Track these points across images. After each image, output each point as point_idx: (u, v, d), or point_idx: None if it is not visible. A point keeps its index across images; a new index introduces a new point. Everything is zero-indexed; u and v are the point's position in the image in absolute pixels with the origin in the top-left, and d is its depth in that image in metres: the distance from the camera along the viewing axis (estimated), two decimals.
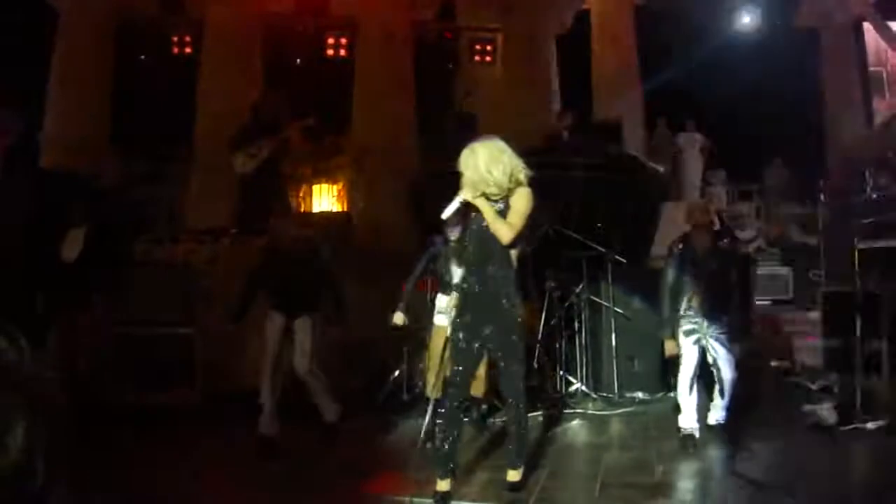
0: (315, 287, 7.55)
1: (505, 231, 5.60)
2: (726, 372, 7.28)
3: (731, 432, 7.26)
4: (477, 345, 5.84)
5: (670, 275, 7.55)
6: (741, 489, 5.94)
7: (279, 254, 7.57)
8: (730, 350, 7.29)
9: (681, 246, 7.85)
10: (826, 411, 7.92)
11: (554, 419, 8.48)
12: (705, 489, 6.16)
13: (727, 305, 7.42)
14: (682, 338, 7.38)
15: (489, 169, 5.55)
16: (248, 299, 7.51)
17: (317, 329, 7.50)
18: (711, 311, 7.29)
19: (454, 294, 6.33)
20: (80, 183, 10.33)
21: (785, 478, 6.11)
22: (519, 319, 5.84)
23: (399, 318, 7.82)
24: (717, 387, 7.40)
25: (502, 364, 5.92)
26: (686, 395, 7.31)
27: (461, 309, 5.92)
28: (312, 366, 7.41)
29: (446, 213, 5.73)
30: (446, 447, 5.78)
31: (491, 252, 5.76)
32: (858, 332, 8.28)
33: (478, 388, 7.62)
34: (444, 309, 7.61)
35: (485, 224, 5.66)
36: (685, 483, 6.47)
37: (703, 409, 7.49)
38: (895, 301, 8.28)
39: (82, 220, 7.38)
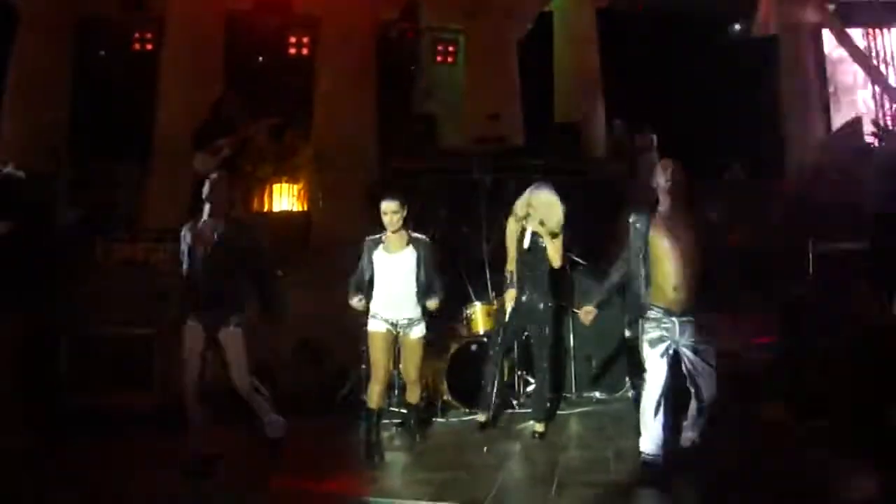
0: (239, 291, 6.74)
1: (559, 261, 7.82)
2: (707, 389, 6.27)
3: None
4: (516, 329, 8.07)
5: (636, 245, 6.32)
6: (696, 485, 6.01)
7: (197, 256, 6.68)
8: (711, 363, 6.24)
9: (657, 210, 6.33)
10: (778, 409, 8.02)
11: (512, 418, 8.54)
12: (662, 487, 6.20)
13: (706, 297, 6.19)
14: (646, 348, 6.27)
15: (560, 219, 7.74)
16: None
17: (245, 337, 6.76)
18: (689, 305, 6.11)
19: (512, 291, 7.91)
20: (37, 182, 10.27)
21: (737, 475, 6.17)
22: (549, 320, 7.97)
23: (357, 302, 7.24)
24: (693, 404, 6.48)
25: (535, 348, 8.00)
26: (651, 418, 6.24)
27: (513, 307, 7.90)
28: (252, 379, 6.80)
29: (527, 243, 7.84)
30: (488, 389, 8.04)
31: (537, 269, 7.83)
32: (811, 333, 8.38)
33: (413, 396, 7.77)
34: (379, 313, 7.22)
35: (541, 246, 7.75)
36: (636, 482, 6.49)
37: (668, 430, 6.41)
38: (847, 303, 8.41)
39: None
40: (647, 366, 6.30)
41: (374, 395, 7.18)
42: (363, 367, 9.28)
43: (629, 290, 6.46)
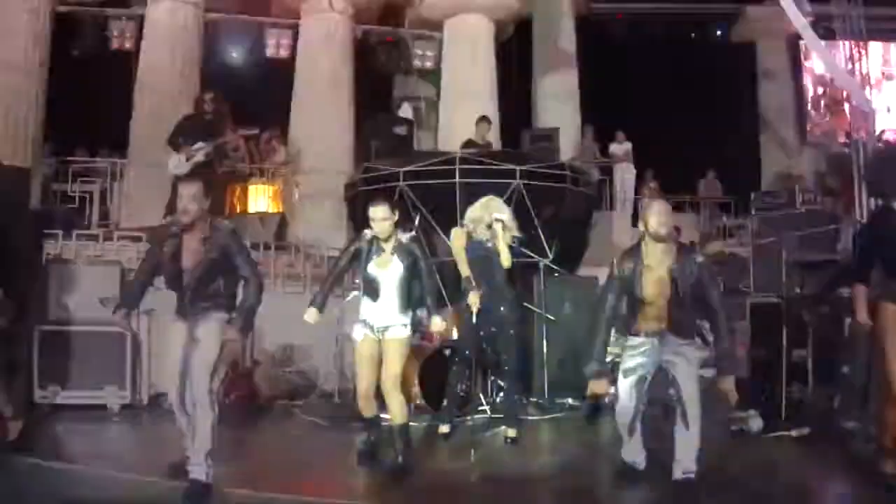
0: (224, 290, 6.14)
1: (509, 261, 7.79)
2: (690, 403, 5.83)
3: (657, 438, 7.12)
4: (480, 333, 7.98)
5: (610, 300, 6.08)
6: (666, 491, 6.00)
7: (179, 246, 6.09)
8: (693, 363, 5.95)
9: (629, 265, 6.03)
10: (751, 419, 8.05)
11: (484, 424, 8.54)
12: (632, 491, 6.21)
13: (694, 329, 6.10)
14: (620, 376, 6.13)
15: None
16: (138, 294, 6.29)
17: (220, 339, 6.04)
18: (672, 330, 5.90)
19: (473, 295, 7.77)
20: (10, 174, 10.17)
21: (708, 483, 6.15)
22: (512, 323, 8.02)
23: (311, 315, 6.75)
24: (678, 425, 5.88)
25: (501, 354, 8.07)
26: (627, 435, 6.23)
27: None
28: (213, 386, 5.96)
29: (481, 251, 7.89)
30: (450, 401, 8.12)
31: (494, 276, 7.87)
32: (784, 342, 8.41)
33: (394, 414, 6.78)
34: (365, 318, 6.77)
35: (490, 250, 7.81)
36: (613, 486, 6.49)
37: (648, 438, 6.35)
38: (820, 312, 8.45)
39: None
40: (618, 392, 6.21)
41: (362, 408, 6.84)
42: (335, 370, 9.35)
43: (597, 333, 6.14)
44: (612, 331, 6.20)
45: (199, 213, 6.01)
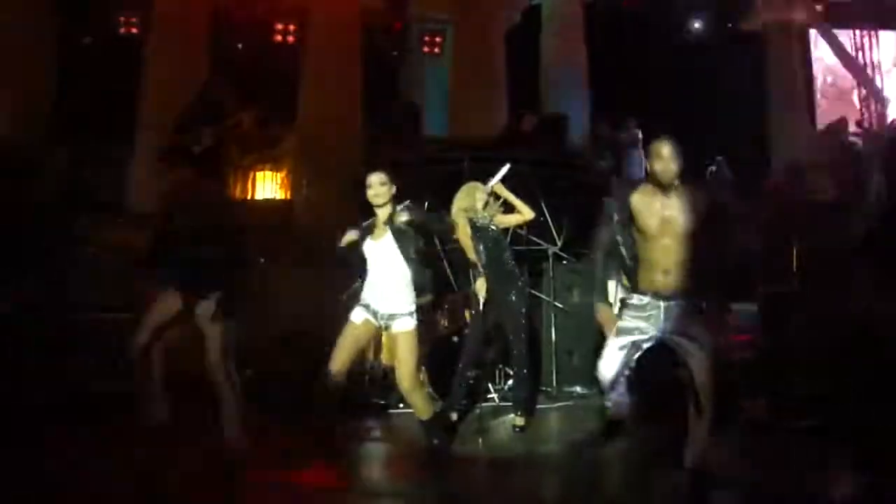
0: (222, 264, 6.11)
1: (529, 211, 7.95)
2: (705, 393, 5.57)
3: (664, 426, 6.81)
4: (491, 322, 7.88)
5: (608, 236, 5.80)
6: (674, 480, 5.97)
7: (177, 220, 6.28)
8: (705, 347, 5.54)
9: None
10: (760, 408, 8.03)
11: (493, 412, 8.52)
12: (638, 479, 6.20)
13: (702, 282, 5.59)
14: (611, 336, 5.67)
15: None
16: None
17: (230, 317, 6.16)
18: (681, 290, 5.49)
19: (481, 280, 7.75)
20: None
21: (718, 471, 6.12)
22: (522, 310, 7.75)
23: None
24: (691, 413, 5.68)
25: (511, 340, 7.73)
26: (607, 391, 5.79)
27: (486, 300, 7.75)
28: (228, 365, 6.13)
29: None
30: (459, 388, 7.80)
31: (503, 260, 7.78)
32: (795, 332, 8.39)
33: (419, 410, 6.60)
34: (367, 302, 6.43)
35: (498, 235, 7.85)
36: (619, 474, 6.49)
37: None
38: (829, 300, 8.42)
39: None
40: (604, 350, 5.69)
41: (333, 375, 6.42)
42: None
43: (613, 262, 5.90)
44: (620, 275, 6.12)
45: None
